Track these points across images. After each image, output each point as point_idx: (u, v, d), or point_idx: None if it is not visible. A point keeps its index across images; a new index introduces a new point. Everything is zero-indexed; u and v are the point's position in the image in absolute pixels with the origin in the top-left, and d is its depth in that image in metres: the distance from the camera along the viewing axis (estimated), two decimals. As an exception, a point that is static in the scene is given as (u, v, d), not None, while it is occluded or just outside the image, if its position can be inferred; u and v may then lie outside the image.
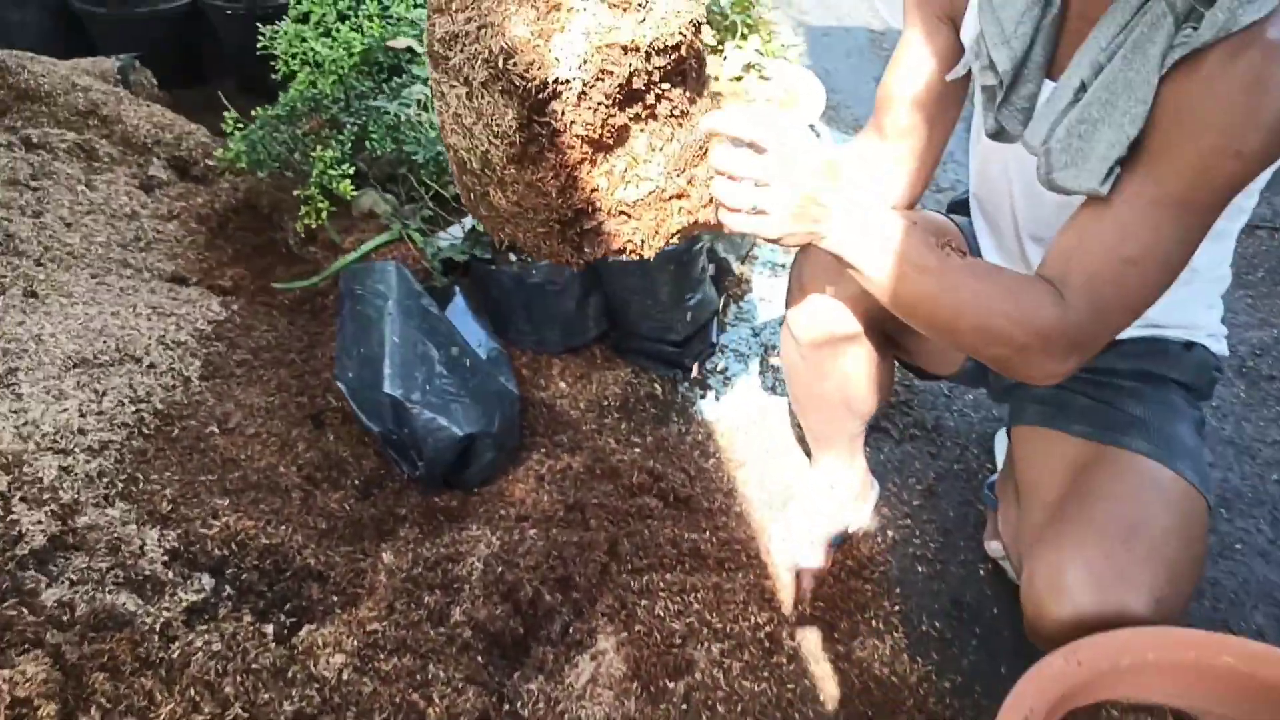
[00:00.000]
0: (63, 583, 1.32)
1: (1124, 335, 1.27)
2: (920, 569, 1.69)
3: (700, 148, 1.02)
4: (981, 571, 1.68)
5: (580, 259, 1.06)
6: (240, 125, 1.99)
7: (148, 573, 1.40)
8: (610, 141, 0.96)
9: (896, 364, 1.54)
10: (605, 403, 1.99)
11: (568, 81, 0.89)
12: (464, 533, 1.70)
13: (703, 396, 2.02)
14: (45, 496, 1.37)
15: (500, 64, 0.88)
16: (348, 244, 2.06)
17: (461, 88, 0.93)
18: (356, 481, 1.74)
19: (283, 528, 1.58)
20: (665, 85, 0.95)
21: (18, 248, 1.80)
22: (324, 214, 1.95)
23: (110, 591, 1.34)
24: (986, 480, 1.78)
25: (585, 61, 0.88)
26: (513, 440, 1.82)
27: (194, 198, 2.29)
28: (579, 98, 0.90)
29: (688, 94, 0.99)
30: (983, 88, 1.20)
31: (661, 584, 1.61)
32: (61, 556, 1.35)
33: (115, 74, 2.52)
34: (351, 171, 1.92)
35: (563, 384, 2.00)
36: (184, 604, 1.40)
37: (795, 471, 1.87)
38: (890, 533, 1.75)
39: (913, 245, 1.02)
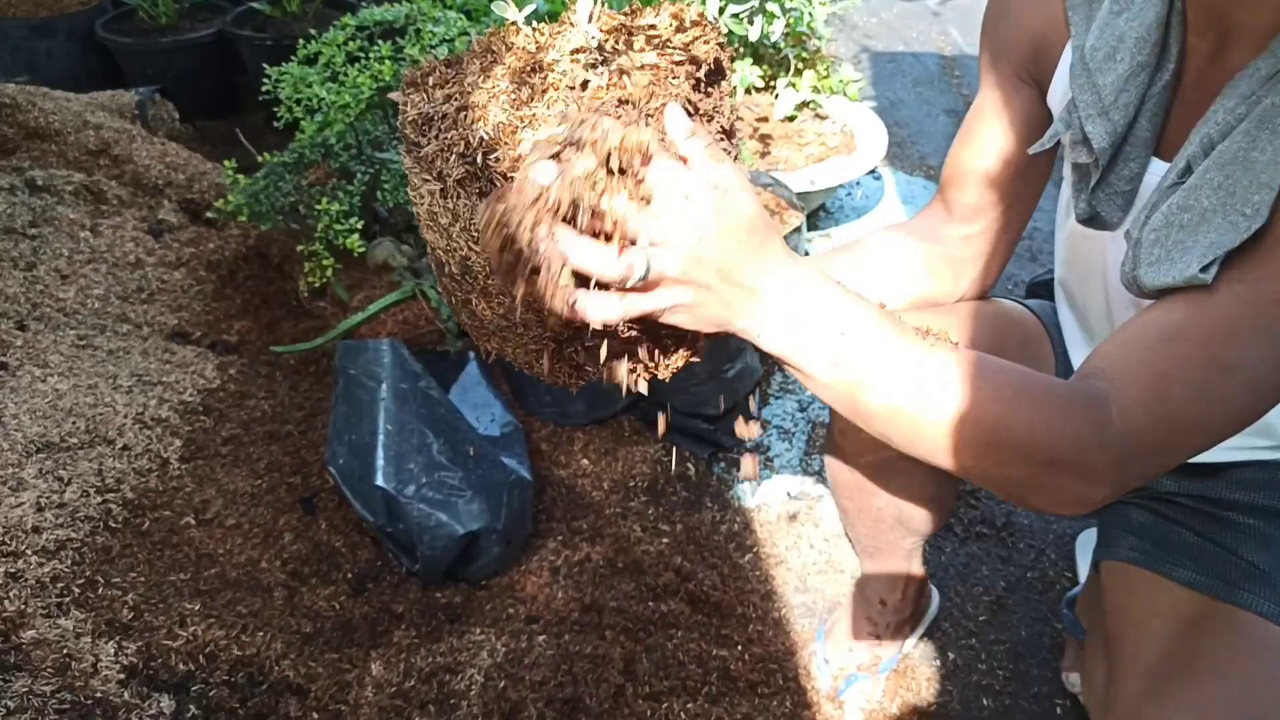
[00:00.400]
0: (-5, 713, 1.16)
1: (1241, 458, 1.04)
2: (986, 702, 1.46)
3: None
4: (1058, 709, 1.45)
5: (579, 380, 0.86)
6: (241, 174, 1.84)
7: (99, 694, 1.24)
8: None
9: None
10: (631, 484, 1.80)
11: None
12: (465, 637, 1.51)
13: (741, 480, 1.81)
14: (-15, 609, 1.22)
15: (478, 159, 0.69)
16: (357, 301, 1.89)
17: (434, 183, 0.75)
18: (349, 575, 1.57)
19: (260, 634, 1.42)
20: None
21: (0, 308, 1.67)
22: (329, 271, 1.79)
23: (50, 722, 1.18)
24: (1066, 594, 1.54)
25: None
26: (523, 531, 1.63)
27: (204, 244, 2.15)
28: None
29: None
30: (1074, 165, 0.98)
31: (683, 714, 1.40)
32: (0, 680, 1.20)
33: (134, 108, 2.40)
34: (360, 226, 1.76)
35: (585, 461, 1.81)
36: (137, 733, 1.23)
37: (844, 574, 1.65)
38: (952, 655, 1.52)
39: (883, 339, 0.73)
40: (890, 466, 1.19)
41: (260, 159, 1.88)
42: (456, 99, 0.73)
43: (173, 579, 1.40)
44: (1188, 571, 0.99)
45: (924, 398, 0.74)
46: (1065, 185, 1.15)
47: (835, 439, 1.22)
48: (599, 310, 0.67)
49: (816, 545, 1.71)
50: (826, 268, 1.17)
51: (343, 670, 1.43)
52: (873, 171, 2.46)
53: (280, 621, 1.45)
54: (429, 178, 0.76)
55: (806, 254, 2.09)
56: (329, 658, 1.45)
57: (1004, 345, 1.15)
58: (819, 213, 2.30)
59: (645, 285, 0.66)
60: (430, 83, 0.78)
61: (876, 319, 0.73)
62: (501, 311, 0.81)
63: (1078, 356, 1.19)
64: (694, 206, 0.65)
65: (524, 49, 0.75)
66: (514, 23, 0.79)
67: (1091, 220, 0.97)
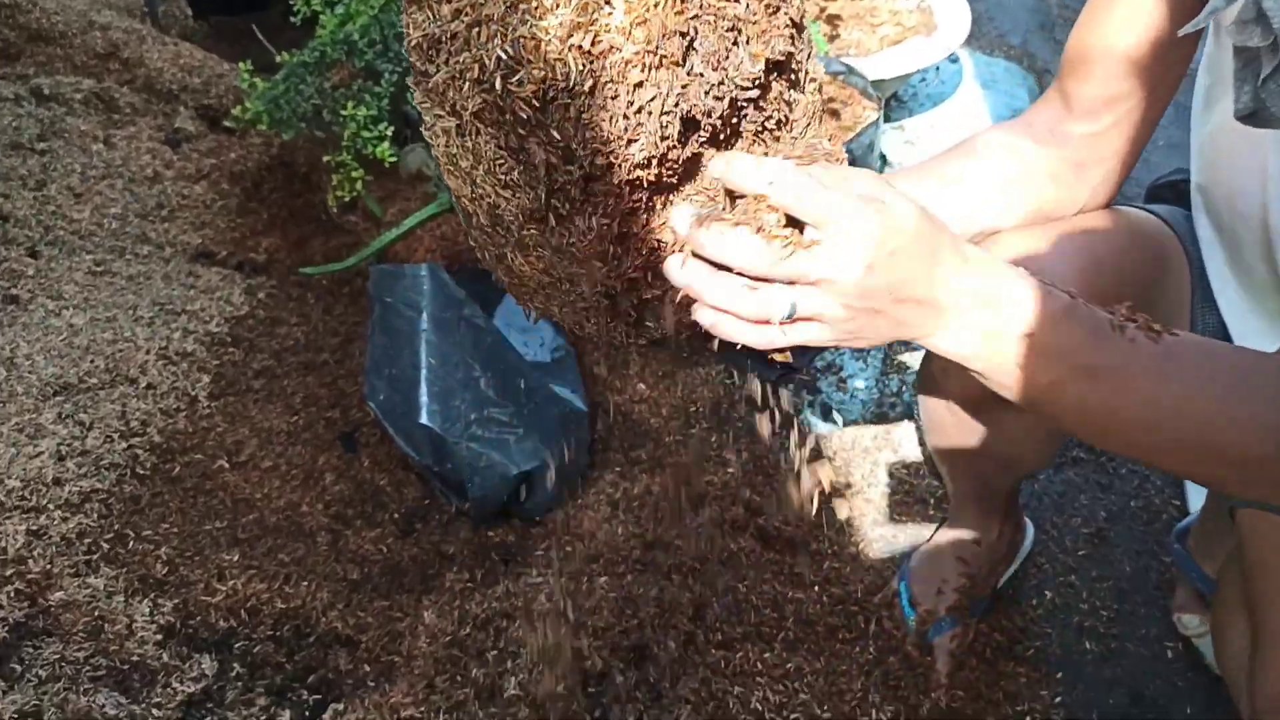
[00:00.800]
0: (27, 683, 1.09)
1: None
2: (1089, 646, 1.34)
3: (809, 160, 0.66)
4: (1169, 653, 1.32)
5: (639, 338, 0.72)
6: (257, 78, 1.68)
7: (135, 658, 1.17)
8: (674, 180, 0.61)
9: None
10: (693, 409, 1.66)
11: None
12: (522, 579, 1.42)
13: (812, 404, 1.67)
14: (9, 571, 1.13)
15: (497, 84, 0.54)
16: (390, 215, 1.74)
17: (449, 119, 0.59)
18: (396, 515, 1.47)
19: (304, 583, 1.33)
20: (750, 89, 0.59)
21: (9, 233, 1.55)
22: (359, 183, 1.63)
23: (87, 690, 1.10)
24: (1176, 526, 1.40)
25: None
26: (580, 464, 1.51)
27: (225, 154, 2.00)
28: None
29: (784, 93, 0.63)
30: (1237, 49, 0.79)
31: (759, 664, 1.30)
32: (29, 646, 1.12)
33: (143, 6, 2.23)
34: (390, 132, 1.60)
35: (642, 385, 1.68)
36: (180, 697, 1.16)
37: (928, 505, 1.52)
38: (1049, 594, 1.39)
39: (1075, 339, 0.67)
40: (1003, 406, 1.04)
41: (278, 59, 1.71)
42: (467, 14, 0.57)
43: (208, 528, 1.31)
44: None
45: (1123, 397, 0.66)
46: (1202, 73, 0.96)
47: (933, 376, 1.07)
48: (751, 338, 0.62)
49: (896, 474, 1.57)
50: (931, 174, 1.00)
51: (393, 619, 1.34)
52: (954, 58, 2.22)
53: (325, 569, 1.36)
54: (442, 113, 0.61)
55: (883, 157, 1.89)
56: (379, 605, 1.36)
57: (1134, 265, 0.98)
58: (890, 102, 2.09)
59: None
60: None
61: (1068, 312, 0.66)
62: (541, 267, 0.67)
63: (1218, 276, 1.01)
64: (854, 230, 0.59)
65: None
66: None
67: (1254, 117, 0.79)
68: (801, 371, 1.70)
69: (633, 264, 0.65)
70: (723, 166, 0.61)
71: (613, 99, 0.55)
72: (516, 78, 0.53)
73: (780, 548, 1.46)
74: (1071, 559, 1.43)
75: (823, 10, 1.86)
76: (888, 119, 2.07)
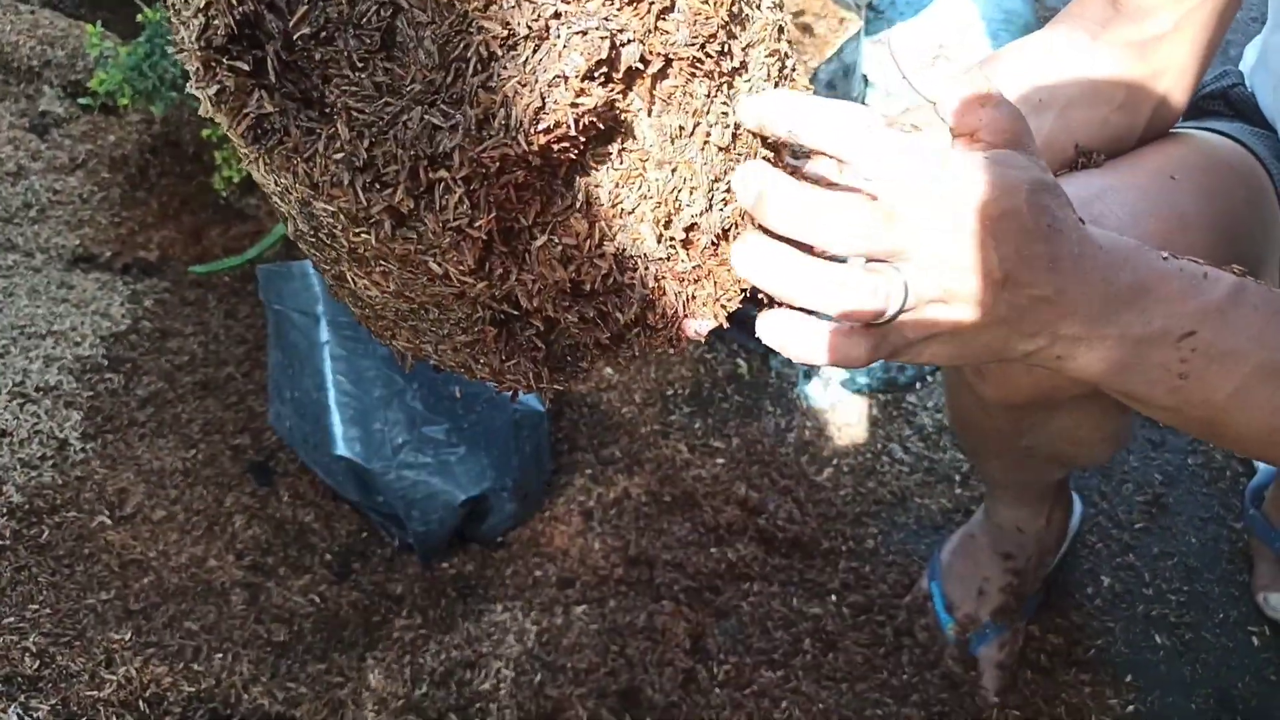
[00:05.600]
0: None
1: None
2: (1160, 640, 1.13)
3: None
4: (1255, 640, 1.12)
5: (555, 380, 0.48)
6: (117, 44, 1.39)
7: (2, 785, 0.93)
8: (573, 152, 0.38)
9: None
10: (670, 392, 1.43)
11: None
12: (485, 618, 1.20)
13: (808, 374, 1.43)
14: None
15: None
16: (295, 194, 1.47)
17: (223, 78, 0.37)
18: (327, 556, 1.23)
19: (218, 656, 1.09)
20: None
21: None
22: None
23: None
24: (1249, 486, 1.19)
25: None
26: (543, 475, 1.28)
27: (102, 136, 1.72)
28: None
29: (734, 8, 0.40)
30: None
31: (771, 701, 1.09)
32: None
33: (-8, -29, 1.91)
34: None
35: (609, 369, 1.44)
36: (61, 828, 0.92)
37: (954, 483, 1.31)
38: (1107, 580, 1.19)
39: (1254, 329, 0.48)
40: (1053, 406, 0.80)
41: (139, 18, 1.42)
42: None
43: (90, 602, 1.07)
44: None
45: None
46: None
47: (967, 380, 0.83)
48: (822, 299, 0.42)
49: (912, 448, 1.35)
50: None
51: (333, 685, 1.12)
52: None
53: (244, 633, 1.13)
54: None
55: (865, 79, 1.64)
56: (314, 670, 1.13)
57: (1225, 214, 0.75)
58: (866, 12, 1.83)
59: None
60: None
61: (1236, 296, 0.48)
62: (393, 288, 0.44)
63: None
64: (941, 188, 0.42)
65: None
66: None
67: None
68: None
69: (531, 274, 0.41)
70: (768, 108, 0.43)
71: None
72: None
73: (786, 551, 1.25)
74: (1128, 535, 1.22)
75: (781, -91, 1.59)
76: (867, 32, 1.81)
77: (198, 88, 0.39)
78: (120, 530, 1.13)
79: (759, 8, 0.43)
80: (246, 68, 0.38)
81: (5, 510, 1.08)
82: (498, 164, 0.38)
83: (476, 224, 0.38)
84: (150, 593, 1.11)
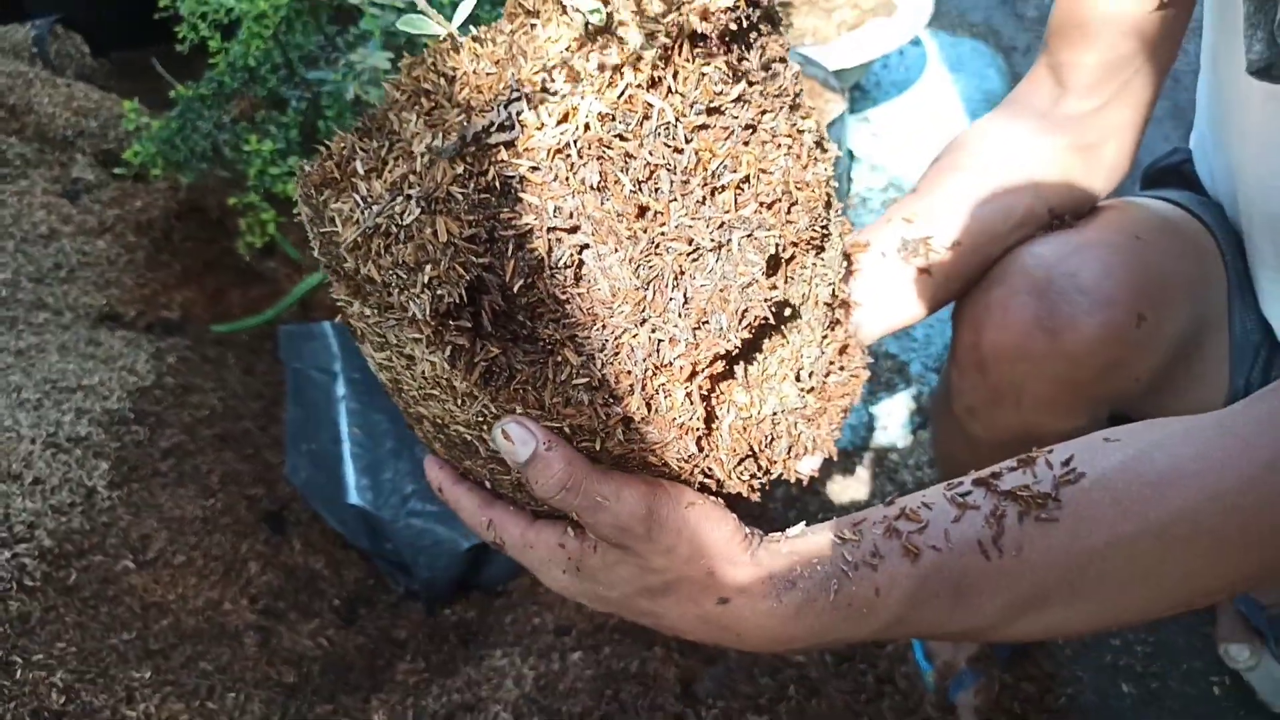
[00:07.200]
0: None
1: None
2: (1126, 689, 1.19)
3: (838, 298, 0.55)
4: (1216, 689, 1.18)
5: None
6: (148, 117, 1.49)
7: (28, 815, 0.98)
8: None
9: None
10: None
11: None
12: (485, 663, 1.25)
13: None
14: None
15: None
16: (311, 258, 1.56)
17: (411, 331, 0.45)
18: (335, 602, 1.29)
19: (231, 695, 1.15)
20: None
21: (-128, 314, 1.36)
22: (271, 225, 1.46)
23: None
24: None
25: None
26: (542, 525, 1.34)
27: (130, 202, 1.82)
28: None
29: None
30: None
31: (761, 745, 1.14)
32: (-108, 817, 0.93)
33: (30, 45, 2.03)
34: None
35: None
36: None
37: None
38: (1076, 632, 1.24)
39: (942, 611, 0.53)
40: (1041, 440, 0.88)
41: (172, 94, 1.53)
42: (413, 184, 0.41)
43: (113, 642, 1.13)
44: None
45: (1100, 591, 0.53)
46: (1207, 31, 0.83)
47: (957, 417, 0.91)
48: None
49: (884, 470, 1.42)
50: (929, 190, 0.85)
51: (339, 726, 1.17)
52: (917, 41, 2.07)
53: (255, 674, 1.18)
54: (403, 329, 0.45)
55: (850, 153, 1.74)
56: (321, 711, 1.18)
57: (1180, 268, 0.84)
58: (852, 93, 1.94)
59: None
60: (358, 170, 0.45)
61: (923, 582, 0.51)
62: (485, 469, 0.53)
63: (1263, 276, 0.86)
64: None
65: (476, 73, 0.44)
66: (446, 38, 0.47)
67: (1268, 71, 0.64)
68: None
69: (725, 449, 0.50)
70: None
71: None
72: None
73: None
74: (1097, 588, 1.28)
75: (772, -2, 1.70)
76: (851, 111, 1.92)
77: (429, 354, 0.43)
78: (143, 574, 1.19)
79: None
80: (470, 325, 0.41)
81: (37, 553, 1.14)
82: (710, 362, 0.43)
83: (697, 416, 0.44)
84: (169, 634, 1.17)
